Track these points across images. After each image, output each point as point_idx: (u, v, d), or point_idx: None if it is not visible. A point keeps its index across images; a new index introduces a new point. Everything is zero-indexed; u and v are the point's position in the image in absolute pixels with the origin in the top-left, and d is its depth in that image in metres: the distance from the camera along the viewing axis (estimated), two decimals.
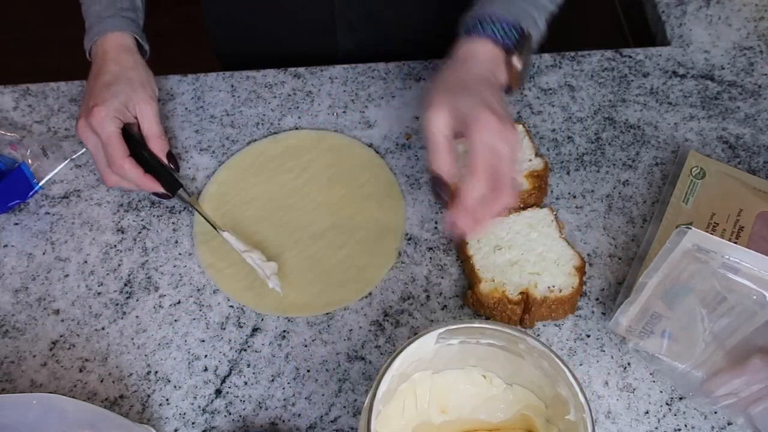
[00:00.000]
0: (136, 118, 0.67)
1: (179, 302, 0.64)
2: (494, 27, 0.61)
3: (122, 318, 0.64)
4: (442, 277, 0.65)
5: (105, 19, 0.68)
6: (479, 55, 0.61)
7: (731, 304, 0.50)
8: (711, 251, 0.50)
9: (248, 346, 0.62)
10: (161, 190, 0.66)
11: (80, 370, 0.61)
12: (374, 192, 0.70)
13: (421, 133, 0.62)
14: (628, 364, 0.61)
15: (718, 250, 0.49)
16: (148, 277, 0.66)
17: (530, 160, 0.70)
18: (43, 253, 0.67)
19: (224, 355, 0.62)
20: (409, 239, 0.68)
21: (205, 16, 0.90)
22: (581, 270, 0.63)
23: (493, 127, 0.54)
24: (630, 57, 0.80)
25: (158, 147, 0.67)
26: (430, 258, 0.66)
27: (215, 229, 0.65)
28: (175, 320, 0.63)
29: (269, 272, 0.63)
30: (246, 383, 0.60)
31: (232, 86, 0.79)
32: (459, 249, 0.66)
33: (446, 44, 0.65)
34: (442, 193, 0.57)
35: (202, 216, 0.66)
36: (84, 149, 0.73)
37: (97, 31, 0.68)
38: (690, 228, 0.49)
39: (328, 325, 0.63)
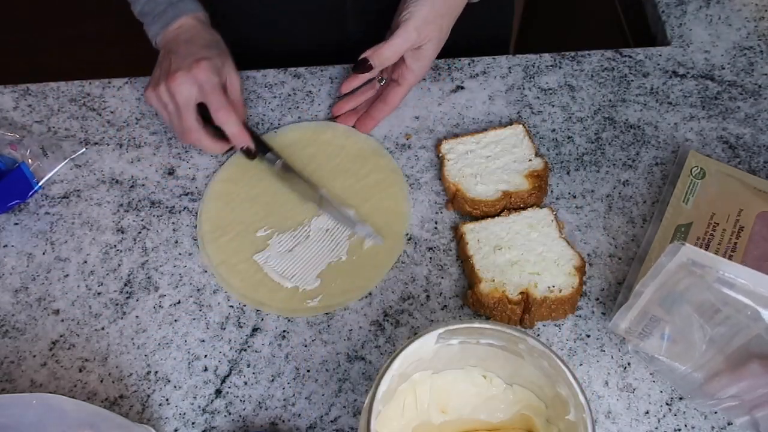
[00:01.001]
0: (224, 85, 0.69)
1: (179, 302, 0.64)
2: None
3: (122, 318, 0.64)
4: (442, 277, 0.65)
5: (177, 3, 0.71)
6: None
7: (726, 315, 0.50)
8: (706, 266, 0.50)
9: (248, 346, 0.62)
10: (252, 146, 0.69)
11: (80, 370, 0.61)
12: (379, 180, 0.71)
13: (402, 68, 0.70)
14: (628, 364, 0.61)
15: (713, 265, 0.49)
16: (148, 277, 0.66)
17: (530, 160, 0.70)
18: (43, 253, 0.67)
19: (224, 355, 0.62)
20: (409, 239, 0.68)
21: (209, 10, 0.89)
22: (581, 270, 0.63)
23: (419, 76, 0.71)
24: (630, 57, 0.80)
25: (241, 115, 0.71)
26: (430, 258, 0.66)
27: (313, 190, 0.69)
28: (175, 320, 0.63)
29: (364, 231, 0.67)
30: (246, 383, 0.60)
31: None
32: (459, 249, 0.66)
33: (455, 33, 0.70)
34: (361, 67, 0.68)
35: (299, 176, 0.70)
36: (83, 150, 0.73)
37: (172, 15, 0.70)
38: (684, 244, 0.50)
39: (328, 325, 0.63)
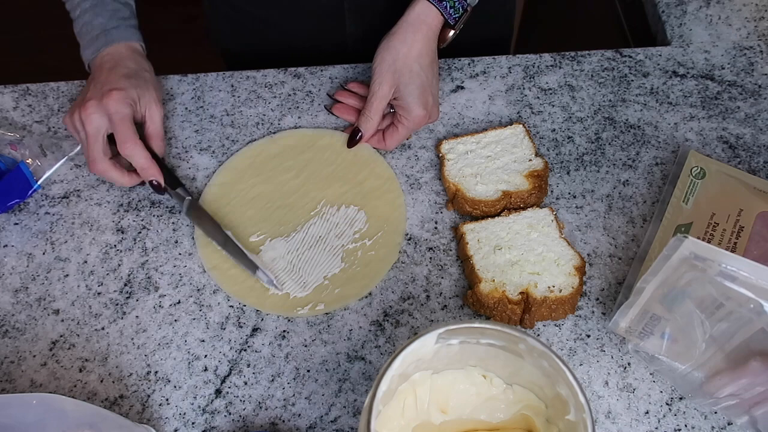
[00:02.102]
0: (142, 117, 0.68)
1: (179, 302, 0.64)
2: (449, 1, 0.68)
3: (122, 318, 0.64)
4: (442, 277, 0.65)
5: (111, 30, 0.69)
6: (429, 24, 0.68)
7: (729, 310, 0.50)
8: (708, 259, 0.50)
9: (248, 346, 0.62)
10: (161, 180, 0.67)
11: (80, 370, 0.61)
12: (375, 187, 0.70)
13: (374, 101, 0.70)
14: (628, 364, 0.60)
15: (716, 258, 0.49)
16: (148, 277, 0.66)
17: (530, 160, 0.70)
18: (43, 253, 0.67)
19: (224, 355, 0.62)
20: (409, 239, 0.68)
21: (208, 12, 0.89)
22: (581, 270, 0.63)
23: (418, 122, 0.70)
24: (630, 57, 0.80)
25: (159, 149, 0.69)
26: (430, 258, 0.66)
27: (218, 231, 0.66)
28: (175, 320, 0.63)
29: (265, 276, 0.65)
30: (246, 383, 0.60)
31: (232, 86, 0.79)
32: (459, 249, 0.66)
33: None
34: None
35: (206, 215, 0.68)
36: None
37: (103, 42, 0.69)
38: (687, 237, 0.49)
39: (328, 325, 0.63)
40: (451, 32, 0.70)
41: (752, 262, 0.48)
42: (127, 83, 0.66)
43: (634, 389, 0.59)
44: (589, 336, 0.62)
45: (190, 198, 0.68)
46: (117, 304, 0.64)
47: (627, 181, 0.71)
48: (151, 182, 0.67)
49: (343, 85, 0.77)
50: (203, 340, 0.62)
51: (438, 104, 0.72)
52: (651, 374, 0.60)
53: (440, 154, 0.71)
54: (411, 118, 0.69)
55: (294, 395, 0.60)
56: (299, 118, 0.76)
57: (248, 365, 0.61)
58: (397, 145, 0.73)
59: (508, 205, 0.68)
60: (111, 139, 0.66)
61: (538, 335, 0.62)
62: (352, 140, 0.72)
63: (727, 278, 0.49)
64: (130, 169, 0.68)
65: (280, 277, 0.65)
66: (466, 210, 0.68)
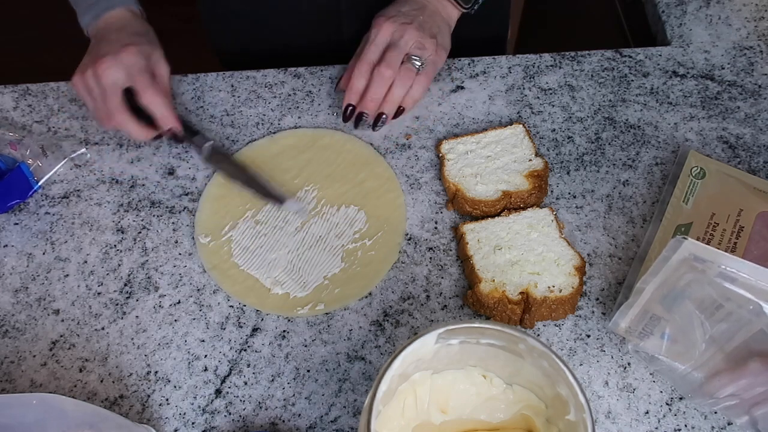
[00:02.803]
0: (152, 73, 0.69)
1: (179, 302, 0.64)
2: None
3: (122, 318, 0.64)
4: (442, 277, 0.65)
5: None
6: (443, 14, 0.73)
7: (728, 311, 0.50)
8: (708, 261, 0.50)
9: (248, 346, 0.62)
10: (180, 128, 0.69)
11: (80, 370, 0.61)
12: (375, 187, 0.70)
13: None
14: (628, 364, 0.61)
15: (715, 260, 0.49)
16: (148, 277, 0.66)
17: (530, 160, 0.70)
18: (43, 253, 0.67)
19: (224, 355, 0.62)
20: (409, 239, 0.68)
21: (203, 13, 0.89)
22: (581, 270, 0.63)
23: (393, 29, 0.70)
24: (630, 57, 0.80)
25: (170, 103, 0.70)
26: (430, 258, 0.66)
27: (241, 170, 0.68)
28: (175, 320, 0.63)
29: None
30: (246, 383, 0.60)
31: (232, 86, 0.79)
32: (459, 249, 0.66)
33: (453, 31, 0.72)
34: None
35: (228, 157, 0.69)
36: (83, 150, 0.73)
37: (104, 6, 0.70)
38: (686, 238, 0.49)
39: (328, 325, 0.63)
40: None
41: (752, 263, 0.48)
42: (140, 39, 0.68)
43: (634, 389, 0.59)
44: (589, 336, 0.62)
45: (212, 142, 0.70)
46: (117, 304, 0.64)
47: (627, 181, 0.71)
48: (170, 130, 0.68)
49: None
50: (203, 340, 0.62)
51: (441, 44, 0.71)
52: (651, 374, 0.60)
53: (440, 154, 0.71)
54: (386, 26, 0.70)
55: (294, 395, 0.60)
56: (299, 118, 0.76)
57: (248, 365, 0.61)
58: (420, 94, 0.71)
59: (508, 205, 0.68)
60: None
61: (538, 335, 0.62)
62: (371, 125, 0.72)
63: (726, 279, 0.49)
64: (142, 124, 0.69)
65: (280, 277, 0.65)
66: (466, 210, 0.68)
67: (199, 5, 0.88)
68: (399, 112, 0.71)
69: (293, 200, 0.65)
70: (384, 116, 0.70)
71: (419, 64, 0.69)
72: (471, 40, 0.82)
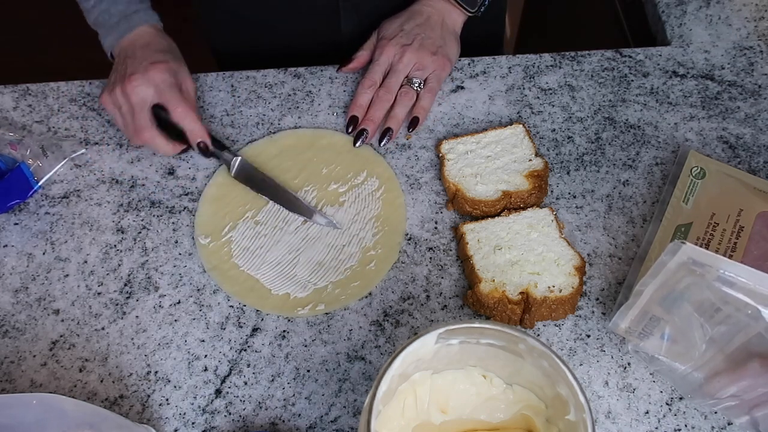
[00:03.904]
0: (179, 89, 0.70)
1: (179, 302, 0.64)
2: None
3: (122, 318, 0.64)
4: (442, 277, 0.65)
5: (132, 16, 0.71)
6: (449, 22, 0.76)
7: (727, 314, 0.50)
8: (706, 265, 0.50)
9: (248, 346, 0.62)
10: (209, 142, 0.70)
11: (80, 370, 0.61)
12: (375, 188, 0.70)
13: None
14: (628, 364, 0.61)
15: (714, 264, 0.49)
16: (148, 277, 0.66)
17: (530, 160, 0.70)
18: (43, 253, 0.67)
19: (224, 355, 0.62)
20: (409, 239, 0.68)
21: (202, 13, 0.89)
22: (581, 270, 0.63)
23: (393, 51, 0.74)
24: (630, 57, 0.80)
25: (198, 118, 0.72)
26: (430, 258, 0.66)
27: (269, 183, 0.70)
28: (175, 320, 0.63)
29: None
30: (246, 383, 0.60)
31: (232, 86, 0.79)
32: (459, 249, 0.66)
33: None
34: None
35: (256, 171, 0.71)
36: (83, 150, 0.74)
37: (126, 27, 0.71)
38: (685, 243, 0.49)
39: (328, 325, 0.63)
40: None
41: (750, 268, 0.48)
42: (166, 57, 0.69)
43: (634, 389, 0.59)
44: (589, 336, 0.62)
45: (240, 158, 0.71)
46: (117, 304, 0.64)
47: (627, 181, 0.71)
48: (198, 144, 0.69)
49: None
50: (203, 340, 0.62)
51: (445, 56, 0.74)
52: (651, 374, 0.60)
53: (440, 154, 0.71)
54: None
55: (294, 395, 0.60)
56: (299, 118, 0.76)
57: (248, 365, 0.61)
58: (429, 104, 0.74)
59: (508, 205, 0.68)
60: None
61: (538, 335, 0.62)
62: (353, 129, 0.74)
63: (725, 284, 0.50)
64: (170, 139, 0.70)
65: (280, 278, 0.65)
66: (466, 210, 0.68)
67: (197, 5, 0.88)
68: (415, 121, 0.73)
69: (321, 214, 0.67)
70: (390, 131, 0.72)
71: (418, 84, 0.73)
72: (469, 40, 0.83)
